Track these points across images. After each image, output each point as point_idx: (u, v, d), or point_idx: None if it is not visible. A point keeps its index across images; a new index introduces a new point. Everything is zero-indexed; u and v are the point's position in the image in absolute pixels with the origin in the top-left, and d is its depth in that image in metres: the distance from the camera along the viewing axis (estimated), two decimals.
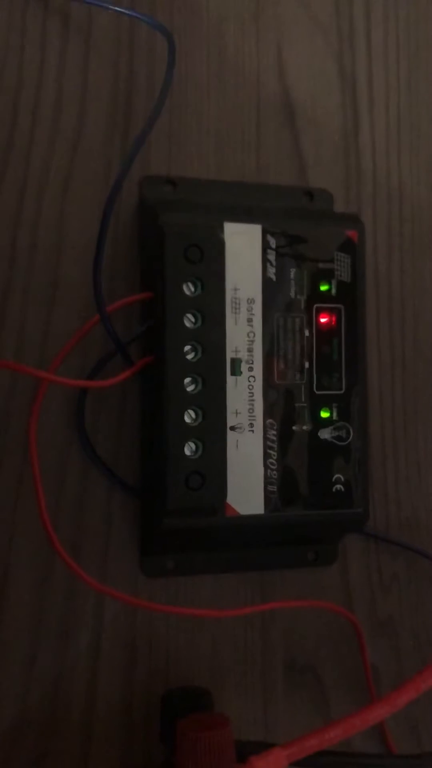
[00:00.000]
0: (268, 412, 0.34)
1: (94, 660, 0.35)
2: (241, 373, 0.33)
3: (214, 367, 0.32)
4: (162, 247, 0.32)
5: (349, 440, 0.35)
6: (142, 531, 0.35)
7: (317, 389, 0.35)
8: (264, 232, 0.34)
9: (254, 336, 0.34)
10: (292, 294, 0.34)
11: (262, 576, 0.37)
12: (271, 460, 0.34)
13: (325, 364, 0.35)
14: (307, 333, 0.35)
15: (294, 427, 0.34)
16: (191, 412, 0.32)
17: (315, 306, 0.35)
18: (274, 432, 0.34)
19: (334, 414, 0.35)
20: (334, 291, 0.35)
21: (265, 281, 0.34)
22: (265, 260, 0.34)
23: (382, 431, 0.40)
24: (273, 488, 0.34)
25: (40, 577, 0.34)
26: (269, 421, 0.34)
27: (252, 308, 0.34)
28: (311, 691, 0.38)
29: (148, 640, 0.35)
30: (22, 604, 0.34)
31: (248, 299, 0.34)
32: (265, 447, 0.34)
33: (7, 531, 0.34)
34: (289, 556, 0.38)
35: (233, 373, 0.33)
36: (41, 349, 0.34)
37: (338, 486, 0.35)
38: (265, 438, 0.34)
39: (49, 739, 0.34)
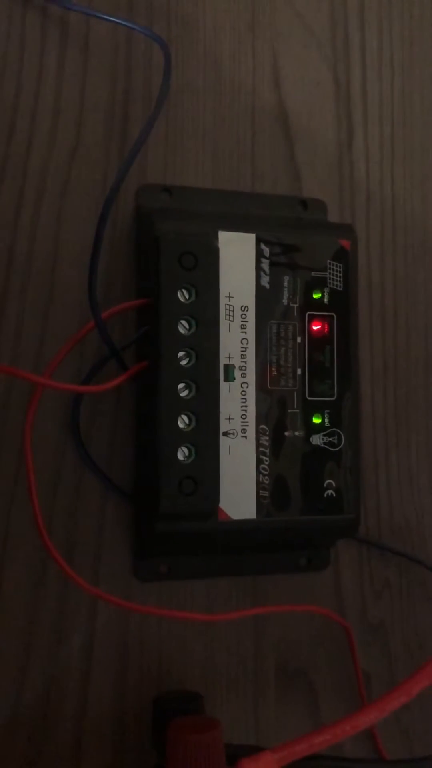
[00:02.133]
0: (260, 418, 0.34)
1: (86, 663, 0.35)
2: (234, 379, 0.34)
3: (208, 373, 0.33)
4: (157, 254, 0.32)
5: (341, 446, 0.35)
6: (135, 535, 0.36)
7: (309, 396, 0.35)
8: (258, 241, 0.35)
9: (247, 343, 0.34)
10: (285, 302, 0.35)
11: (254, 581, 0.38)
12: (263, 466, 0.34)
13: (317, 370, 0.35)
14: (299, 340, 0.35)
15: (286, 433, 0.35)
16: (184, 417, 0.32)
17: (308, 313, 0.35)
18: (267, 438, 0.34)
19: (326, 420, 0.35)
20: (326, 299, 0.36)
21: (259, 289, 0.34)
22: (258, 268, 0.34)
23: (374, 437, 0.40)
24: (265, 493, 0.34)
25: (34, 580, 0.34)
26: (262, 426, 0.34)
27: (245, 315, 0.34)
28: (302, 695, 0.38)
29: (141, 643, 0.36)
30: (16, 606, 0.34)
31: (242, 306, 0.34)
32: (258, 452, 0.34)
33: (1, 534, 0.34)
34: (282, 562, 0.38)
35: (226, 379, 0.34)
36: (37, 353, 0.35)
37: (330, 492, 0.35)
38: (258, 444, 0.34)
39: (41, 742, 0.34)
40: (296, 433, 0.35)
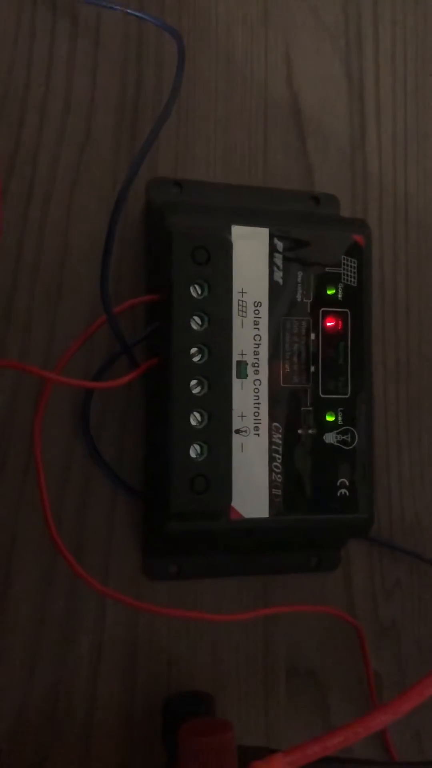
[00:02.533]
0: (273, 416, 0.34)
1: (95, 663, 0.34)
2: (247, 376, 0.33)
3: (220, 370, 0.32)
4: (169, 249, 0.32)
5: (355, 445, 0.35)
6: (145, 533, 0.35)
7: (323, 393, 0.35)
8: (271, 236, 0.34)
9: (260, 339, 0.34)
10: (299, 297, 0.34)
11: (264, 580, 0.37)
12: (275, 464, 0.34)
13: (330, 367, 0.35)
14: (313, 337, 0.35)
15: (299, 431, 0.34)
16: (197, 414, 0.32)
17: (321, 310, 0.35)
18: (279, 435, 0.34)
19: (340, 418, 0.35)
20: (340, 295, 0.35)
21: (272, 284, 0.34)
22: (272, 263, 0.34)
23: (386, 436, 0.40)
24: (278, 492, 0.34)
25: (43, 578, 0.34)
26: (274, 424, 0.34)
27: (258, 311, 0.34)
28: (313, 696, 0.38)
29: (150, 643, 0.35)
30: (25, 605, 0.33)
31: (255, 302, 0.34)
32: (270, 450, 0.34)
33: (10, 532, 0.33)
34: (292, 561, 0.37)
35: (239, 376, 0.33)
36: (47, 349, 0.34)
37: (343, 491, 0.35)
38: (270, 441, 0.34)
39: (50, 743, 0.34)
40: (309, 431, 0.34)
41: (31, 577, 0.34)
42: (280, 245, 0.34)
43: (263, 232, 0.34)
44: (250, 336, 0.33)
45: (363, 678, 0.38)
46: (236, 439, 0.33)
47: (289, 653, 0.37)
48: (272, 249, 0.34)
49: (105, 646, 0.34)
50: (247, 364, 0.33)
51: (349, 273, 0.35)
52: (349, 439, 0.35)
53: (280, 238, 0.34)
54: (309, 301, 0.35)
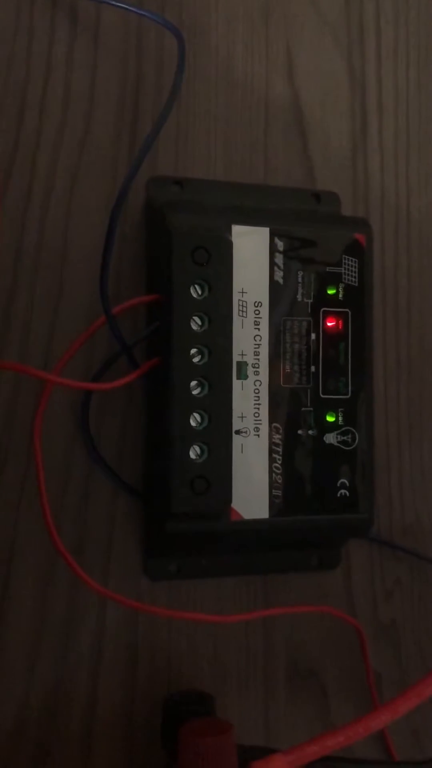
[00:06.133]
0: (273, 416, 0.34)
1: (95, 662, 0.34)
2: (247, 376, 0.33)
3: (221, 371, 0.32)
4: (169, 249, 0.32)
5: (355, 445, 0.35)
6: (145, 534, 0.35)
7: (323, 393, 0.34)
8: (272, 235, 0.34)
9: (261, 339, 0.34)
10: (299, 297, 0.34)
11: (264, 580, 0.37)
12: (276, 465, 0.34)
13: (331, 368, 0.35)
14: (313, 336, 0.34)
15: (299, 432, 0.34)
16: (197, 415, 0.32)
17: (322, 309, 0.35)
18: (280, 436, 0.34)
19: (340, 418, 0.35)
20: (341, 295, 0.35)
21: (273, 284, 0.34)
22: (272, 263, 0.34)
23: (386, 436, 0.40)
24: (278, 493, 0.34)
25: (43, 578, 0.34)
26: (275, 425, 0.34)
27: (259, 311, 0.34)
28: (313, 695, 0.38)
29: (150, 643, 0.35)
30: (25, 605, 0.33)
31: (255, 302, 0.34)
32: (271, 451, 0.34)
33: (10, 533, 0.33)
34: (292, 561, 0.37)
35: (239, 377, 0.33)
36: (46, 350, 0.34)
37: (343, 491, 0.34)
38: (271, 442, 0.34)
39: (50, 742, 0.34)
40: (310, 432, 0.34)
41: (32, 577, 0.34)
42: (280, 244, 0.34)
43: (264, 232, 0.34)
44: (250, 336, 0.33)
45: (363, 677, 0.38)
46: (236, 439, 0.33)
47: (289, 653, 0.37)
48: (273, 248, 0.34)
49: (105, 646, 0.35)
50: (247, 364, 0.33)
51: (350, 272, 0.35)
52: (349, 440, 0.35)
53: (281, 237, 0.34)
54: (310, 300, 0.34)
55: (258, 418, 0.33)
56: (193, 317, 0.32)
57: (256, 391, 0.33)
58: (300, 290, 0.34)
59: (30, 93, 0.35)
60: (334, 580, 0.38)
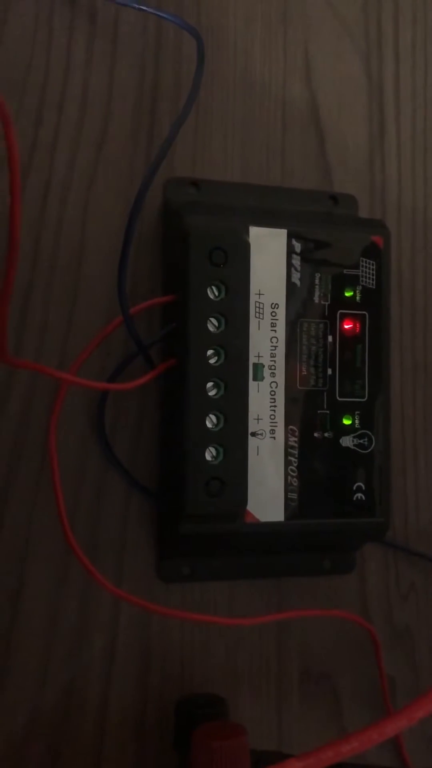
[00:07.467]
0: (289, 419, 0.33)
1: (108, 664, 0.34)
2: (263, 378, 0.33)
3: (237, 372, 0.32)
4: (186, 250, 0.32)
5: (372, 448, 0.35)
6: (159, 535, 0.35)
7: (340, 396, 0.34)
8: (289, 237, 0.34)
9: (277, 341, 0.33)
10: (317, 299, 0.34)
11: (278, 583, 0.37)
12: (291, 467, 0.33)
13: (348, 370, 0.34)
14: (330, 339, 0.34)
15: (315, 434, 0.34)
16: (212, 417, 0.32)
17: (339, 312, 0.34)
18: (295, 439, 0.34)
19: (357, 421, 0.34)
20: (358, 297, 0.35)
21: (290, 286, 0.34)
22: (289, 265, 0.34)
23: (402, 439, 0.39)
24: (293, 496, 0.33)
25: (57, 579, 0.34)
26: (290, 427, 0.33)
27: (276, 313, 0.33)
28: (326, 700, 0.38)
29: (163, 645, 0.35)
30: (39, 606, 0.33)
31: (272, 304, 0.33)
32: (286, 454, 0.33)
33: (25, 532, 0.33)
34: (306, 564, 0.37)
35: (255, 379, 0.33)
36: (62, 349, 0.34)
37: (359, 495, 0.34)
38: (286, 445, 0.33)
39: (62, 743, 0.34)
40: (326, 435, 0.34)
41: (46, 578, 0.34)
42: (298, 246, 0.34)
43: (281, 233, 0.34)
44: (266, 338, 0.33)
45: (377, 682, 0.38)
46: (252, 441, 0.33)
47: (303, 656, 0.37)
48: (290, 250, 0.34)
49: (118, 647, 0.34)
50: (263, 366, 0.33)
51: (367, 274, 0.35)
52: (365, 443, 0.35)
53: (298, 239, 0.34)
54: (327, 303, 0.34)
55: (274, 420, 0.33)
56: (210, 318, 0.32)
57: (272, 393, 0.33)
58: (317, 292, 0.34)
59: (48, 93, 0.35)
60: (349, 584, 0.38)
